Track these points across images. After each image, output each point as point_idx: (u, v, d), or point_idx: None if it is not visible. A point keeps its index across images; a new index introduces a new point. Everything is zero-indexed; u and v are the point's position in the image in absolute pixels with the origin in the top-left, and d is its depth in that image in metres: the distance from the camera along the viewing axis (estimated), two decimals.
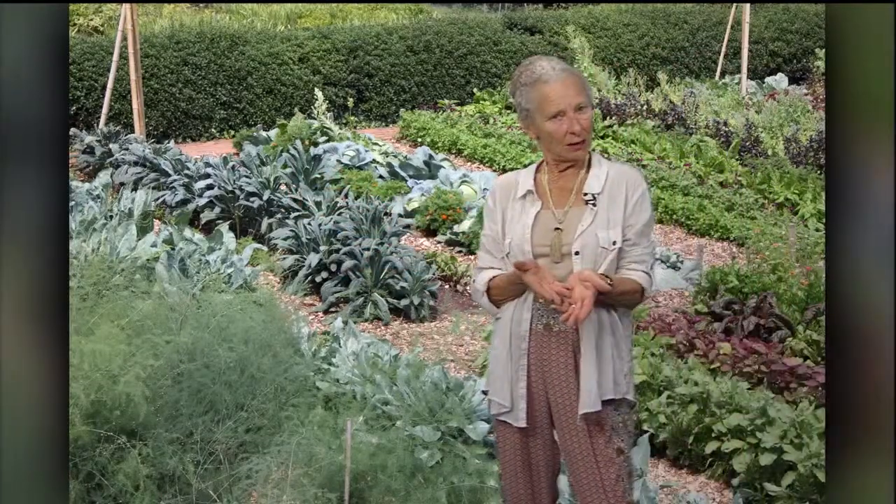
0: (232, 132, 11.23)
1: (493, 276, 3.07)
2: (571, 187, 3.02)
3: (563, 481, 3.52)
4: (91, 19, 14.66)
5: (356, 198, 7.82)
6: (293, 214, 7.36)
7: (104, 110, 10.04)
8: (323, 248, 6.57)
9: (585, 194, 2.98)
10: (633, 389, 3.06)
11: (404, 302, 6.33)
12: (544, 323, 3.00)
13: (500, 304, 3.09)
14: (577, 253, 2.94)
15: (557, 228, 2.98)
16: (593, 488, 3.00)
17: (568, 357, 2.98)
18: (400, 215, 8.02)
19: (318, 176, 8.53)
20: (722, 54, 14.03)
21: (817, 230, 7.54)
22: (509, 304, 3.07)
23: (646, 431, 4.59)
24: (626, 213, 2.96)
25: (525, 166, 3.27)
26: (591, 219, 2.95)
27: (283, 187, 8.06)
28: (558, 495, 3.27)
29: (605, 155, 9.76)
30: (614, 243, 2.93)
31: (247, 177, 7.95)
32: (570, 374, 2.98)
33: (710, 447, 4.48)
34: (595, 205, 2.96)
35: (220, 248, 6.61)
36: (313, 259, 6.55)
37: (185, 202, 7.95)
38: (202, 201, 7.79)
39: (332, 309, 6.38)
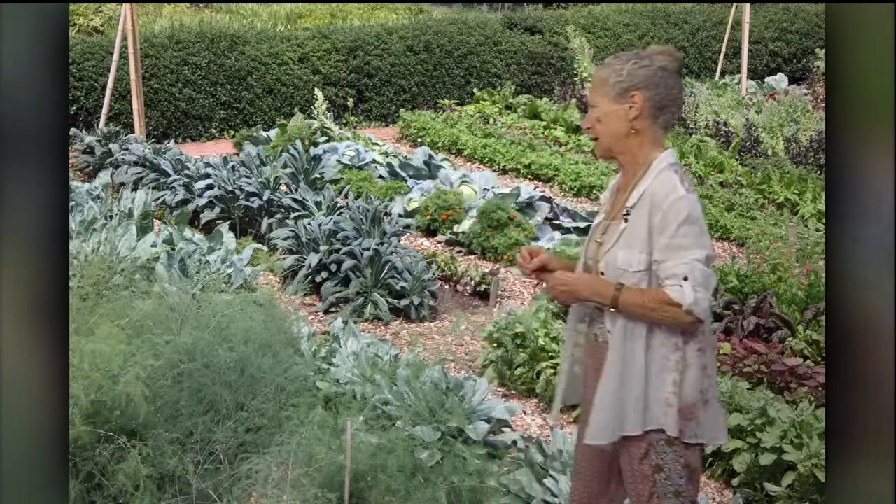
0: (232, 132, 11.23)
1: None
2: (624, 197, 2.88)
3: None
4: (91, 19, 14.67)
5: (356, 198, 7.82)
6: (293, 214, 7.35)
7: (104, 110, 10.03)
8: (323, 248, 6.57)
9: (625, 207, 2.84)
10: (673, 419, 2.78)
11: (404, 302, 6.33)
12: (594, 333, 2.96)
13: None
14: (602, 273, 2.85)
15: (598, 242, 2.91)
16: (632, 501, 2.97)
17: (601, 370, 2.89)
18: (400, 215, 8.02)
19: (318, 176, 8.53)
20: (722, 54, 14.03)
21: (817, 230, 7.54)
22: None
23: None
24: (651, 233, 2.75)
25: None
26: (617, 236, 2.82)
27: (283, 187, 8.06)
28: None
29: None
30: (635, 269, 2.76)
31: (247, 177, 7.95)
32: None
33: (710, 447, 4.48)
34: (627, 220, 2.81)
35: (220, 248, 6.61)
36: (313, 259, 6.55)
37: (185, 202, 7.95)
38: (202, 201, 7.79)
39: (332, 309, 6.38)
